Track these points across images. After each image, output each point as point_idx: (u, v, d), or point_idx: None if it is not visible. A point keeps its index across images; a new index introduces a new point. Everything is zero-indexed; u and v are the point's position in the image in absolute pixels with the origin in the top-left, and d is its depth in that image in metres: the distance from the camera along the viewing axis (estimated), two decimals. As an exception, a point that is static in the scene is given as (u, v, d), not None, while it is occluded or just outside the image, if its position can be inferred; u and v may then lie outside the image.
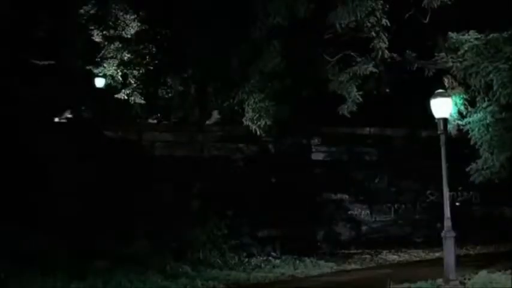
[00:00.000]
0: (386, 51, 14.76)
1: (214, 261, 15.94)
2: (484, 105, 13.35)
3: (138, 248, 15.03)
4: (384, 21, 14.61)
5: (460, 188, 19.74)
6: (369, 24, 14.58)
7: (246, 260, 16.66)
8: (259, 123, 15.60)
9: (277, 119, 15.85)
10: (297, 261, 16.73)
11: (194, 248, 16.08)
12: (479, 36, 13.25)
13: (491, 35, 13.10)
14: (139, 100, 19.39)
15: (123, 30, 19.33)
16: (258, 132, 15.97)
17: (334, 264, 16.70)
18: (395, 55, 15.06)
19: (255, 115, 15.57)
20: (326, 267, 16.43)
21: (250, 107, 15.67)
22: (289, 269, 15.85)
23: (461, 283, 13.11)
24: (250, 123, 15.89)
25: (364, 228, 20.12)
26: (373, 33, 14.58)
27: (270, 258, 17.09)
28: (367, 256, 18.31)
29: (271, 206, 17.88)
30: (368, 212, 20.16)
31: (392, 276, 13.63)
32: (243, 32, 16.04)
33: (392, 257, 18.33)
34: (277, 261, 16.84)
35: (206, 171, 18.09)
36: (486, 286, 12.84)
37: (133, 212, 15.76)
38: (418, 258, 18.09)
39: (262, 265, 16.35)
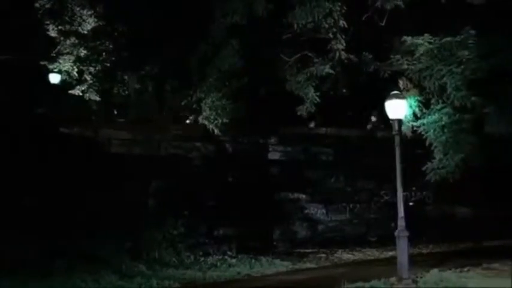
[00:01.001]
0: (343, 53, 14.95)
1: (170, 260, 15.85)
2: (439, 107, 13.64)
3: (96, 247, 14.84)
4: (342, 22, 14.80)
5: (413, 188, 20.06)
6: (326, 26, 14.74)
7: (202, 259, 16.61)
8: (216, 122, 15.62)
9: (234, 118, 15.88)
10: (253, 260, 16.74)
11: (150, 247, 15.95)
12: (433, 39, 13.52)
13: (444, 39, 13.38)
14: (94, 97, 19.08)
15: (79, 25, 18.99)
16: (215, 131, 15.97)
17: (289, 263, 16.76)
18: (352, 56, 15.25)
19: (211, 114, 15.58)
20: (282, 266, 16.48)
21: (207, 105, 15.66)
22: (245, 268, 15.85)
23: (414, 281, 13.35)
24: (207, 122, 15.88)
25: (320, 227, 20.26)
26: (331, 35, 14.76)
27: (226, 257, 17.06)
28: (323, 255, 18.44)
29: (228, 205, 17.86)
30: (324, 211, 20.30)
31: (347, 275, 13.78)
32: (202, 31, 16.00)
33: (347, 256, 18.50)
34: (233, 260, 16.82)
35: (163, 170, 17.95)
36: (437, 284, 13.12)
37: (91, 211, 15.53)
38: (372, 257, 18.28)
39: (218, 264, 16.31)
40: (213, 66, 15.91)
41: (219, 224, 18.01)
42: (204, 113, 15.91)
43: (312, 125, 18.20)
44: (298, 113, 15.48)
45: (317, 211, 20.23)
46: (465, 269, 15.19)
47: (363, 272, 14.73)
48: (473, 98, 13.12)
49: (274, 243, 19.32)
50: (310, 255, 18.36)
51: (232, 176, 18.53)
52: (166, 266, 15.27)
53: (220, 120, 15.55)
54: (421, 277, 13.85)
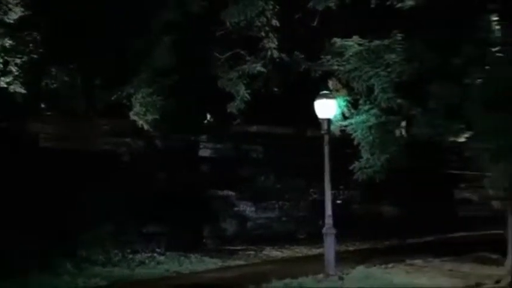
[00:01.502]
0: (275, 51, 15.09)
1: (98, 258, 15.57)
2: (366, 107, 13.94)
3: (21, 244, 14.39)
4: (274, 21, 14.92)
5: (341, 187, 20.46)
6: (259, 24, 14.83)
7: (131, 256, 16.40)
8: (146, 118, 15.45)
9: (165, 114, 15.74)
10: (182, 258, 16.69)
11: (78, 245, 15.62)
12: (362, 42, 13.81)
13: (373, 42, 13.70)
14: (20, 89, 18.42)
15: (5, 14, 18.28)
16: (145, 127, 15.81)
17: (219, 260, 16.80)
18: (284, 55, 15.41)
19: (142, 109, 15.39)
20: (211, 263, 16.50)
21: (137, 101, 15.47)
22: (174, 266, 15.78)
23: (340, 278, 13.66)
24: (137, 118, 15.68)
25: (249, 224, 20.37)
26: (263, 33, 14.86)
27: (155, 254, 16.92)
28: (252, 252, 18.56)
29: (158, 202, 17.69)
30: (253, 208, 20.42)
31: (275, 272, 13.96)
32: (137, 26, 15.80)
33: (276, 253, 18.70)
34: (162, 257, 16.71)
35: (91, 165, 17.57)
36: (363, 280, 13.48)
37: (17, 208, 15.03)
38: (300, 254, 18.57)
39: (147, 261, 16.17)
40: (145, 62, 15.72)
41: (148, 221, 17.80)
42: (135, 109, 15.69)
43: (237, 121, 18.15)
44: (229, 110, 15.53)
45: (246, 208, 20.34)
46: (390, 265, 15.69)
47: (291, 268, 14.95)
48: (399, 100, 13.50)
49: (204, 240, 19.29)
50: (240, 252, 18.46)
51: (162, 172, 18.36)
52: (94, 264, 15.01)
53: (150, 117, 15.40)
54: (348, 273, 14.20)
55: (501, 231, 14.23)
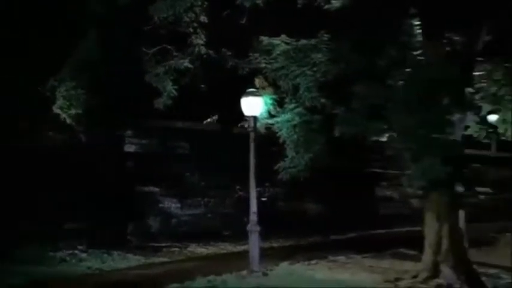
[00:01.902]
0: (203, 48, 15.03)
1: (17, 255, 15.05)
2: (292, 106, 14.10)
3: None
4: (202, 18, 14.86)
5: (267, 184, 20.61)
6: (187, 20, 14.73)
7: (51, 254, 15.95)
8: (69, 112, 15.08)
9: (90, 108, 15.42)
10: (105, 255, 16.38)
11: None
12: (289, 41, 13.96)
13: (300, 41, 13.87)
14: None
15: None
16: (68, 121, 15.43)
17: (142, 257, 16.59)
18: (211, 52, 15.37)
19: (65, 103, 15.01)
20: (134, 260, 16.27)
21: (60, 94, 15.07)
22: (96, 263, 15.46)
23: (264, 274, 13.80)
24: (60, 112, 15.29)
25: (174, 221, 20.18)
26: (191, 29, 14.77)
27: (77, 252, 16.52)
28: (176, 249, 18.43)
29: (80, 198, 17.29)
30: (178, 205, 20.27)
31: (200, 269, 13.94)
32: (63, 18, 15.40)
33: (201, 250, 18.65)
34: (84, 254, 16.34)
35: (12, 160, 16.97)
36: (286, 276, 13.67)
37: None
38: (225, 251, 18.59)
39: (68, 259, 15.78)
40: (70, 55, 15.34)
41: (70, 217, 17.36)
42: (58, 102, 15.27)
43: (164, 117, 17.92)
44: (155, 106, 15.36)
45: (171, 205, 20.16)
46: (313, 262, 15.99)
47: (215, 265, 14.96)
48: (323, 100, 13.73)
49: (128, 237, 18.98)
50: (164, 249, 18.28)
51: (86, 167, 17.92)
52: (12, 262, 14.49)
53: (73, 111, 15.03)
54: (271, 270, 14.37)
55: (419, 228, 14.71)
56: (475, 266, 14.08)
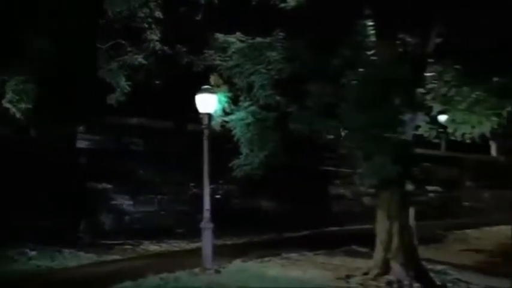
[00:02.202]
0: (157, 44, 14.93)
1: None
2: (246, 104, 14.14)
3: None
4: (157, 13, 14.76)
5: (221, 182, 20.56)
6: (142, 15, 14.62)
7: (-1, 253, 15.59)
8: (19, 106, 14.76)
9: (40, 103, 15.12)
10: (56, 253, 16.09)
11: None
12: (245, 39, 13.98)
13: (256, 39, 13.91)
14: None
15: None
16: (18, 116, 15.10)
17: (94, 255, 16.35)
18: (166, 48, 15.29)
19: (15, 97, 14.68)
20: (86, 258, 16.03)
21: (10, 88, 14.73)
22: (46, 261, 15.18)
23: (217, 271, 13.79)
24: (10, 106, 14.95)
25: (127, 218, 19.91)
26: (146, 25, 14.66)
27: (26, 250, 16.15)
28: (129, 247, 18.23)
29: (30, 194, 16.92)
30: (131, 202, 20.03)
31: (153, 266, 13.82)
32: (13, 10, 15.04)
33: (154, 248, 18.50)
34: (34, 253, 15.99)
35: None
36: (239, 274, 13.69)
37: None
38: (178, 249, 18.48)
39: (17, 257, 15.42)
40: (21, 48, 15.01)
41: (18, 215, 16.96)
42: (7, 96, 14.93)
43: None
44: (109, 102, 15.18)
45: (124, 202, 19.91)
46: (266, 259, 16.05)
47: (168, 263, 14.87)
48: (277, 98, 13.81)
49: (80, 234, 18.67)
50: (116, 246, 18.05)
51: (36, 164, 17.55)
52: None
53: (23, 105, 14.71)
54: (224, 267, 14.36)
55: (371, 226, 14.94)
56: (424, 263, 14.40)
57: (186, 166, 19.11)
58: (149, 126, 20.46)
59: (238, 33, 14.08)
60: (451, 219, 27.35)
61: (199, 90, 13.97)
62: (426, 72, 15.28)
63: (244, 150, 14.29)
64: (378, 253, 14.15)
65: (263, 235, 20.83)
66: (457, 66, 16.49)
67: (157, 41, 14.90)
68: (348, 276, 14.01)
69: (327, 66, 13.63)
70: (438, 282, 13.78)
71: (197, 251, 14.83)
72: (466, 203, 31.39)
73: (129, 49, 15.10)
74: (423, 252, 15.25)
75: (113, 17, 14.72)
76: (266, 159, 14.14)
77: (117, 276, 13.10)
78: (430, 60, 14.95)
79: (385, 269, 13.82)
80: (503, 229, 25.20)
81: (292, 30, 13.96)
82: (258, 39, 13.97)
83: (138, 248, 18.26)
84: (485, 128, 20.93)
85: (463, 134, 20.51)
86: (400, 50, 14.41)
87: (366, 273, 14.00)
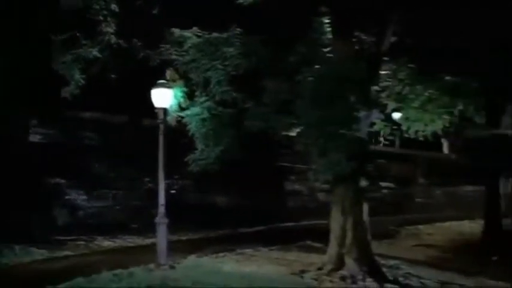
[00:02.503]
0: (113, 37, 14.73)
1: None
2: (202, 99, 14.08)
3: None
4: (113, 6, 14.56)
5: (176, 177, 20.44)
6: (97, 7, 14.40)
7: None
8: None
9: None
10: (6, 249, 15.72)
11: None
12: (201, 34, 13.91)
13: (212, 35, 13.85)
14: None
15: None
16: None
17: (46, 251, 16.06)
18: (122, 41, 15.10)
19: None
20: (38, 254, 15.73)
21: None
22: (-3, 257, 14.87)
23: (172, 267, 13.72)
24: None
25: (80, 213, 19.60)
26: (101, 17, 14.44)
27: (-25, 246, 15.77)
28: (82, 242, 17.95)
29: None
30: (85, 197, 19.75)
31: (106, 262, 13.65)
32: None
33: (108, 243, 18.26)
34: (-16, 248, 15.64)
35: None
36: (194, 269, 13.66)
37: None
38: (133, 244, 18.30)
39: (-35, 253, 15.08)
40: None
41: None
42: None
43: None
44: (63, 95, 14.91)
45: (78, 197, 19.61)
46: (221, 255, 16.06)
47: (122, 259, 14.70)
48: (233, 94, 13.80)
49: (32, 230, 18.28)
50: (70, 242, 17.76)
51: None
52: None
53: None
54: (179, 263, 14.30)
55: (326, 222, 15.10)
56: (377, 258, 14.62)
57: (141, 161, 18.91)
58: (104, 120, 20.21)
59: (195, 28, 13.99)
60: (403, 215, 27.82)
61: (155, 84, 13.85)
62: (381, 71, 15.52)
63: (199, 145, 14.24)
64: (332, 248, 14.32)
65: (218, 230, 20.81)
66: (411, 65, 16.80)
67: (112, 34, 14.68)
68: (302, 272, 14.13)
69: (283, 63, 13.69)
70: (390, 277, 14.01)
71: (152, 247, 14.72)
72: (419, 199, 31.96)
73: (83, 42, 14.82)
74: (376, 247, 15.50)
75: (68, 8, 14.44)
76: (221, 155, 14.12)
77: (69, 272, 12.90)
78: (385, 58, 15.17)
79: (339, 264, 13.99)
80: (454, 225, 25.89)
81: (249, 26, 13.95)
82: (215, 34, 13.91)
83: (92, 244, 18.01)
84: (438, 126, 21.42)
85: (416, 132, 20.98)
86: (356, 48, 14.59)
87: (320, 269, 14.14)
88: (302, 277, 13.75)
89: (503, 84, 19.84)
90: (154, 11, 15.05)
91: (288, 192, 25.80)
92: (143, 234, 18.58)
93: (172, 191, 19.69)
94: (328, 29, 14.38)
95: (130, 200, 20.56)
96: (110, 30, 14.55)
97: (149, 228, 16.02)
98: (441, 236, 23.24)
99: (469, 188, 30.56)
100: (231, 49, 13.69)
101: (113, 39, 14.66)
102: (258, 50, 13.58)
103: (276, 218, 23.26)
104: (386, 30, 14.56)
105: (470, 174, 30.03)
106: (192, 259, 14.94)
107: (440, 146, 39.26)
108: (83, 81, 14.77)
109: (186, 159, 14.39)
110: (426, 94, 19.00)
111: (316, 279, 13.51)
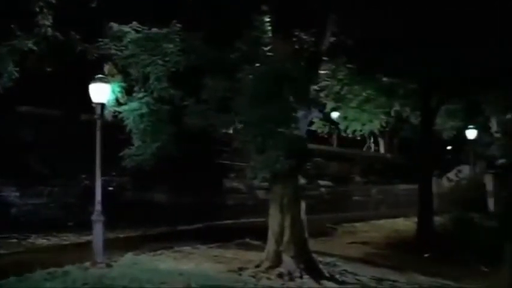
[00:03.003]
0: (49, 29, 14.33)
1: None
2: (141, 95, 13.88)
3: None
4: (50, -3, 14.15)
5: (114, 174, 20.16)
6: (33, -2, 13.98)
7: None
8: None
9: None
10: None
11: None
12: (141, 29, 13.72)
13: (152, 30, 13.68)
14: None
15: None
16: None
17: (-24, 250, 15.58)
18: (59, 34, 14.72)
19: None
20: (-33, 253, 15.24)
21: None
22: None
23: (108, 265, 13.52)
24: None
25: (13, 211, 19.08)
26: (37, 8, 14.03)
27: None
28: (15, 240, 17.46)
29: None
30: (18, 194, 19.21)
31: (40, 261, 13.31)
32: None
33: (42, 241, 17.79)
34: None
35: None
36: (131, 267, 13.49)
37: None
38: (68, 242, 17.90)
39: None
40: None
41: None
42: None
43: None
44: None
45: (11, 194, 19.07)
46: (158, 252, 15.94)
47: (57, 257, 14.35)
48: (173, 90, 13.68)
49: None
50: (1, 240, 17.20)
51: None
52: None
53: None
54: (116, 261, 14.10)
55: (264, 219, 15.19)
56: (314, 255, 14.82)
57: (78, 157, 18.52)
58: (40, 114, 19.70)
59: (134, 23, 13.78)
60: (340, 213, 28.32)
61: (93, 79, 13.60)
62: (320, 70, 15.73)
63: (136, 141, 14.04)
64: (270, 246, 14.42)
65: (156, 228, 20.62)
66: (350, 65, 17.11)
67: (49, 26, 14.26)
68: (240, 269, 14.17)
69: (223, 61, 13.67)
70: (327, 274, 14.21)
71: (88, 245, 14.46)
72: (356, 198, 32.60)
73: (18, 33, 14.37)
74: (314, 245, 15.70)
75: (0, -2, 13.97)
76: (158, 151, 13.96)
77: (1, 271, 12.51)
78: (324, 58, 15.38)
79: (277, 261, 14.11)
80: (389, 222, 26.53)
81: (190, 22, 13.85)
82: (154, 30, 13.73)
83: (25, 242, 17.52)
84: (375, 125, 21.96)
85: (354, 131, 21.40)
86: (296, 47, 14.72)
87: (258, 266, 14.22)
88: (240, 274, 13.79)
89: (437, 85, 20.49)
90: (93, 4, 14.70)
91: (227, 190, 25.85)
92: (79, 232, 18.20)
93: (110, 188, 19.43)
94: (269, 28, 14.45)
95: (66, 197, 20.14)
96: (47, 22, 14.12)
97: (85, 226, 15.69)
98: (376, 234, 23.75)
99: (404, 186, 31.36)
100: (171, 45, 13.54)
101: (50, 31, 14.24)
102: (198, 47, 13.50)
103: (214, 215, 23.25)
104: (325, 30, 14.76)
105: (405, 173, 30.90)
106: (129, 257, 14.75)
107: (377, 145, 40.26)
108: (16, 74, 14.30)
109: (121, 154, 14.13)
110: (364, 94, 19.44)
111: (254, 277, 13.57)
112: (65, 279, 12.19)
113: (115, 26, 13.64)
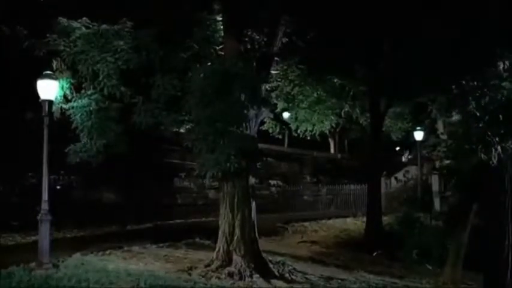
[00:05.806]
0: (-5, 25, 14.00)
1: None
2: (90, 92, 13.65)
3: None
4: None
5: (62, 172, 19.80)
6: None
7: None
8: None
9: None
10: None
11: None
12: (91, 25, 13.50)
13: (102, 26, 13.47)
14: None
15: None
16: None
17: None
18: (5, 29, 14.39)
19: None
20: None
21: None
22: None
23: (55, 266, 13.25)
24: None
25: (-45, 211, 18.53)
26: (-19, 2, 13.67)
27: None
28: (-45, 241, 16.95)
29: None
30: (-40, 193, 18.66)
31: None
32: None
33: (-15, 242, 17.36)
34: None
35: None
36: (78, 267, 13.25)
37: None
38: (13, 243, 17.47)
39: None
40: None
41: None
42: None
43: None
44: None
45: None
46: (107, 252, 15.73)
47: (1, 258, 13.96)
48: (122, 88, 13.50)
49: None
50: None
51: None
52: None
53: None
54: (63, 261, 13.83)
55: (215, 219, 15.15)
56: (264, 254, 14.86)
57: (24, 155, 18.11)
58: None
59: (84, 19, 13.53)
60: (291, 213, 28.53)
61: (40, 75, 13.29)
62: (272, 70, 15.79)
63: (83, 138, 13.79)
64: (220, 245, 14.38)
65: (105, 228, 20.35)
66: (301, 66, 17.25)
67: (-5, 21, 13.93)
68: (190, 268, 14.11)
69: (174, 59, 13.57)
70: (277, 273, 14.27)
71: (34, 245, 14.10)
72: (306, 197, 32.89)
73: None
74: (264, 244, 15.77)
75: None
76: (105, 148, 13.74)
77: None
78: (276, 58, 15.45)
79: (227, 260, 14.08)
80: (339, 222, 26.88)
81: (141, 20, 13.70)
82: (105, 26, 13.52)
83: (-33, 243, 17.02)
84: (325, 126, 22.20)
85: (305, 131, 21.59)
86: (248, 46, 14.73)
87: (208, 265, 14.17)
88: (190, 274, 13.72)
89: (386, 88, 20.87)
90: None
91: (177, 189, 25.72)
92: (25, 232, 17.80)
93: (58, 187, 19.05)
94: (221, 27, 14.44)
95: (11, 196, 19.64)
96: (-6, 17, 13.79)
97: (32, 226, 15.34)
98: (326, 233, 24.04)
99: (353, 186, 31.82)
100: (121, 42, 13.36)
101: (-4, 26, 13.90)
102: (149, 45, 13.35)
103: (164, 215, 23.11)
104: (277, 31, 14.82)
105: (355, 174, 31.36)
106: (76, 257, 14.49)
107: (327, 145, 40.71)
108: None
109: (66, 150, 13.85)
110: (315, 95, 19.65)
111: (203, 276, 13.52)
112: (10, 281, 11.86)
113: (63, 20, 13.35)
